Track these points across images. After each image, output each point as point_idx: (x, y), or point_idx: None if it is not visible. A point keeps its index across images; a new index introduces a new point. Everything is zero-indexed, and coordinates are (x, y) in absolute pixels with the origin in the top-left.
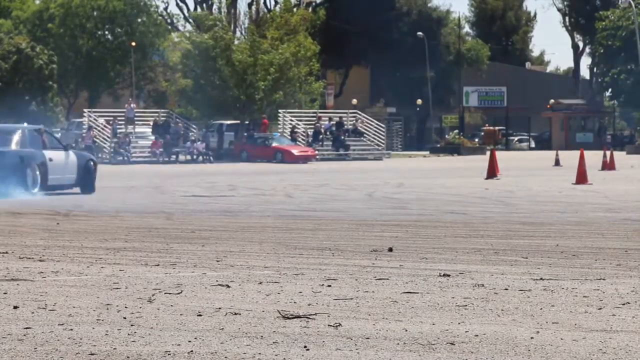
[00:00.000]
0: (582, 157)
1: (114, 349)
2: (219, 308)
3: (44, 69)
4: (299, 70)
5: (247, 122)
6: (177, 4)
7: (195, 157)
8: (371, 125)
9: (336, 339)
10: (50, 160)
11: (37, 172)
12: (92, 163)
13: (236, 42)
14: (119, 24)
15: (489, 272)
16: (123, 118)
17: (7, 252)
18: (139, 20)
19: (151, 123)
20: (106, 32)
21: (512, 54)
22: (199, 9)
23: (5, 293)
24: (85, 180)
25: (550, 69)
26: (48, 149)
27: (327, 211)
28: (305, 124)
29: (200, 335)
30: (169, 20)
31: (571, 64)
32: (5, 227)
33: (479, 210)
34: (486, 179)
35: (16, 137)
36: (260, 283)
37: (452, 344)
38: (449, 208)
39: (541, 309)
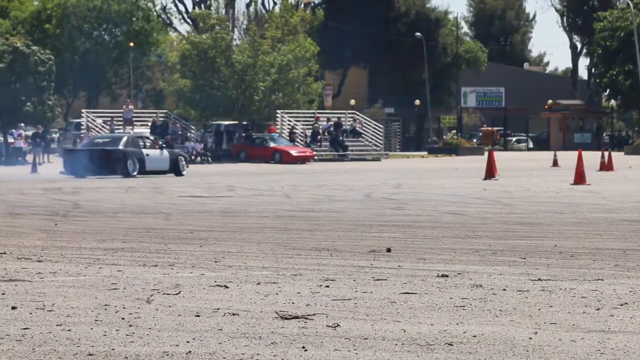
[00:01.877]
0: (580, 158)
1: (112, 349)
2: (217, 309)
3: (40, 68)
4: (298, 71)
5: (245, 123)
6: (175, 4)
7: (193, 157)
8: (369, 125)
9: (334, 339)
10: (147, 155)
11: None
12: (181, 157)
13: (234, 42)
14: (115, 24)
15: (487, 273)
16: (121, 119)
17: (5, 253)
18: (134, 18)
19: (149, 124)
20: (103, 32)
21: (511, 55)
22: (197, 9)
23: (3, 294)
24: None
25: (548, 69)
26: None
27: (325, 212)
28: (303, 125)
29: (199, 335)
30: (166, 19)
31: (569, 65)
32: (4, 227)
33: (477, 211)
34: (484, 179)
35: (122, 141)
36: (259, 283)
37: (450, 344)
38: (447, 209)
39: (539, 309)
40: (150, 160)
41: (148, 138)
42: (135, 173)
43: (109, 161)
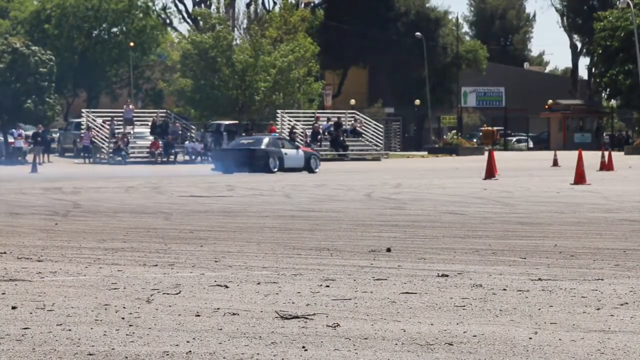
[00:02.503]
0: (580, 158)
1: (113, 349)
2: (218, 308)
3: (41, 69)
4: (299, 71)
5: (245, 123)
6: (175, 4)
7: (193, 157)
8: (369, 125)
9: (334, 339)
10: (286, 154)
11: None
12: (314, 157)
13: (235, 42)
14: (113, 23)
15: (487, 273)
16: (121, 119)
17: (5, 253)
18: (133, 18)
19: (150, 123)
20: (102, 32)
21: (511, 54)
22: (197, 9)
23: (3, 293)
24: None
25: (548, 69)
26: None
27: (326, 211)
28: (303, 125)
29: (199, 335)
30: (166, 19)
31: (569, 65)
32: (4, 227)
33: (477, 211)
34: (484, 179)
35: (264, 142)
36: (259, 283)
37: (450, 344)
38: (447, 208)
39: (539, 309)
40: (288, 159)
41: (285, 139)
42: (275, 169)
43: (253, 159)
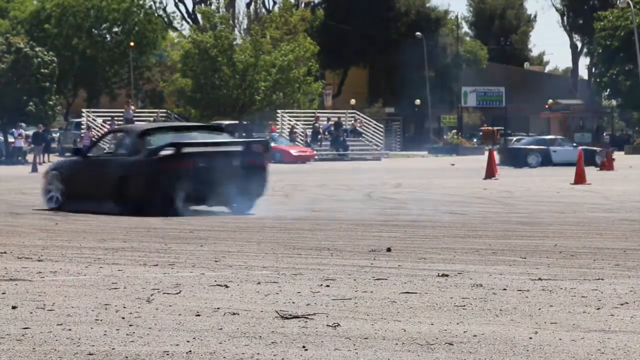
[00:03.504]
0: (580, 158)
1: (113, 349)
2: (218, 308)
3: (43, 69)
4: (299, 71)
5: (245, 122)
6: (176, 4)
7: None
8: (370, 125)
9: (335, 339)
10: (554, 151)
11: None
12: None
13: (235, 42)
14: (114, 23)
15: (488, 272)
16: (122, 119)
17: (5, 252)
18: (135, 18)
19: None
20: (103, 31)
21: (511, 54)
22: (200, 7)
23: (3, 293)
24: None
25: (548, 69)
26: None
27: (326, 211)
28: (303, 124)
29: (199, 335)
30: (166, 19)
31: (570, 64)
32: (4, 227)
33: (477, 211)
34: (484, 179)
35: (524, 141)
36: (259, 283)
37: (451, 344)
38: (447, 208)
39: (540, 309)
40: (557, 155)
41: (560, 138)
42: (536, 165)
43: (516, 156)
